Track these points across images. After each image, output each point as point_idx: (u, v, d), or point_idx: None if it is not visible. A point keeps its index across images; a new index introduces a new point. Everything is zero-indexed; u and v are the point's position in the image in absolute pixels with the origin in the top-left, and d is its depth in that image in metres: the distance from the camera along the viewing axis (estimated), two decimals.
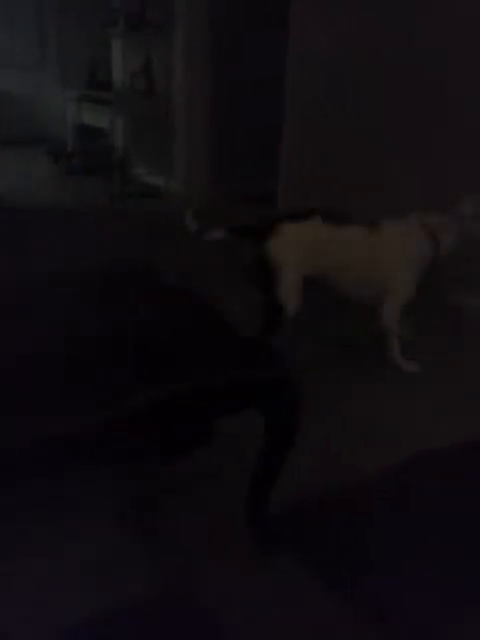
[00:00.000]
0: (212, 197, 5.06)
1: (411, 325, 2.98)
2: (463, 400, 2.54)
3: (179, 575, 1.69)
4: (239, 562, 1.72)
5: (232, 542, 1.77)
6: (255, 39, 4.66)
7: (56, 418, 1.37)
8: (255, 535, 1.78)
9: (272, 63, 4.38)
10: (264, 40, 4.56)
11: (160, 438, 1.64)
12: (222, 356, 1.59)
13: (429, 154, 3.52)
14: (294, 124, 4.31)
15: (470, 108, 3.28)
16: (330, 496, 1.55)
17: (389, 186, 3.70)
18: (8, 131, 6.84)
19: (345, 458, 2.09)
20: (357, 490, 1.52)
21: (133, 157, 5.97)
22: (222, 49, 4.92)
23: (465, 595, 1.36)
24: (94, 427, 1.41)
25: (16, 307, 1.83)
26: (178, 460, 1.78)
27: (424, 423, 2.37)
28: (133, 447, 1.63)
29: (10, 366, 1.48)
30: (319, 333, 3.09)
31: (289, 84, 4.27)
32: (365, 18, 3.72)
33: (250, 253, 2.62)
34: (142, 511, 1.90)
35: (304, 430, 1.60)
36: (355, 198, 3.80)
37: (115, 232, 4.28)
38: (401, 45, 3.53)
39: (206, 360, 1.57)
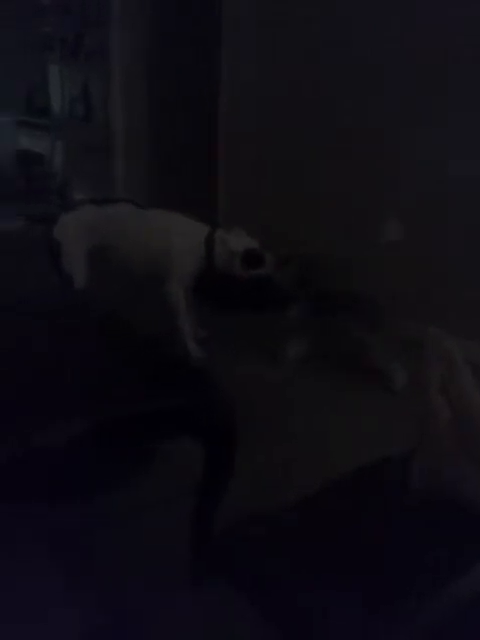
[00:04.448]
0: None
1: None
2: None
3: (119, 612, 1.64)
4: (181, 595, 1.68)
5: (174, 575, 1.73)
6: (190, 63, 4.69)
7: None
8: (199, 565, 1.74)
9: (207, 86, 4.41)
10: (199, 63, 4.59)
11: (96, 467, 1.60)
12: (152, 382, 1.57)
13: (361, 171, 3.59)
14: (230, 147, 4.34)
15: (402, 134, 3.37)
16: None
17: (322, 203, 3.75)
18: None
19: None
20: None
21: (73, 182, 5.91)
22: (158, 74, 4.93)
23: None
24: (24, 457, 1.37)
25: None
26: (115, 489, 1.74)
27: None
28: (68, 477, 1.58)
29: None
30: None
31: (223, 107, 4.31)
32: (292, 47, 3.79)
33: None
34: (77, 545, 1.84)
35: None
36: (296, 216, 3.85)
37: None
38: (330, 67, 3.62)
39: (135, 386, 1.54)
